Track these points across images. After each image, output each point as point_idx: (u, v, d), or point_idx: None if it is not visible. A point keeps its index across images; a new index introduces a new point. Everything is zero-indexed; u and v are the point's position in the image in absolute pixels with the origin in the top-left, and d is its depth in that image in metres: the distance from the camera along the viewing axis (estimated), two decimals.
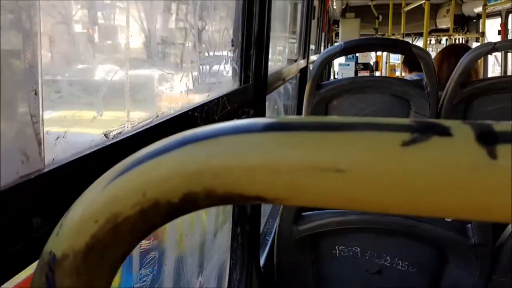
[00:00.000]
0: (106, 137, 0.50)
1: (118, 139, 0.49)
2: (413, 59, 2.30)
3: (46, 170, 0.38)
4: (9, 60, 0.35)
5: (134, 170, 0.24)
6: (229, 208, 1.36)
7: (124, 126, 0.55)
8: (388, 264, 1.32)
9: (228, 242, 1.35)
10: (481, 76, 2.48)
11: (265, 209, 2.19)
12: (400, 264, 1.32)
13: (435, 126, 0.21)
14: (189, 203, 0.23)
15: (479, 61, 2.48)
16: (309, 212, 1.33)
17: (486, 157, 0.20)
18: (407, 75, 2.93)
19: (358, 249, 1.33)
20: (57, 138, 0.42)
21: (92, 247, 0.24)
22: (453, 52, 2.33)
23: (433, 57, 2.69)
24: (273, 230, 1.89)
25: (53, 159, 0.41)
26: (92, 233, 0.24)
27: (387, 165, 0.21)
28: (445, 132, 0.21)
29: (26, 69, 0.36)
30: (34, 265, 0.38)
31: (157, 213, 0.23)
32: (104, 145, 0.46)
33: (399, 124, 0.22)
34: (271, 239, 1.93)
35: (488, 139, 0.21)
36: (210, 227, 1.33)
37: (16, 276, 0.36)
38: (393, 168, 0.21)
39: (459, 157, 0.20)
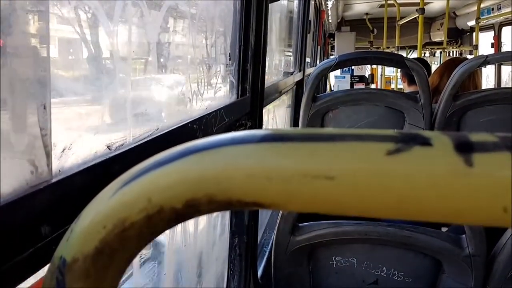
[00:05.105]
0: (109, 149, 0.51)
1: (120, 151, 0.51)
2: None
3: (53, 180, 0.40)
4: (20, 76, 0.37)
5: (141, 178, 0.25)
6: (227, 218, 1.37)
7: (126, 139, 0.57)
8: (384, 275, 1.33)
9: (226, 253, 1.36)
10: (480, 88, 2.52)
11: (263, 220, 2.20)
12: (396, 274, 1.32)
13: (417, 137, 0.23)
14: (191, 208, 0.25)
15: (479, 73, 2.52)
16: (306, 223, 1.34)
17: (463, 165, 0.22)
18: (406, 88, 2.96)
19: (355, 259, 1.34)
20: (63, 150, 0.44)
21: (101, 251, 0.26)
22: (454, 65, 2.37)
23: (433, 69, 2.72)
24: (271, 241, 1.89)
25: (59, 170, 0.42)
26: (101, 237, 0.25)
27: (373, 172, 0.22)
28: (426, 142, 0.23)
29: (36, 85, 0.38)
30: (39, 273, 0.39)
31: (162, 219, 0.25)
32: (107, 157, 0.48)
33: (384, 135, 0.23)
34: (268, 250, 1.94)
35: (465, 149, 0.22)
36: (209, 237, 1.34)
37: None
38: (379, 175, 0.22)
39: (439, 165, 0.22)
